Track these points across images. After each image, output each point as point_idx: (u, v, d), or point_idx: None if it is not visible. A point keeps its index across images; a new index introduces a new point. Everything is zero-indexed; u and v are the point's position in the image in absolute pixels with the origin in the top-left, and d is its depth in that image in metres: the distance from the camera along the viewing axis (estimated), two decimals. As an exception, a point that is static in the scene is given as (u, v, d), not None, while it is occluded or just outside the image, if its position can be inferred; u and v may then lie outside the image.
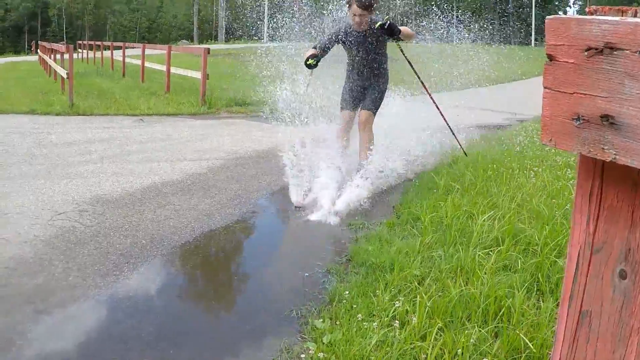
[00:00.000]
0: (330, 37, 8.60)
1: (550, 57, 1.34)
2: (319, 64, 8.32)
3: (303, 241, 6.32)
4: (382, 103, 8.89)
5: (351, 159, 8.69)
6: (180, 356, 3.92)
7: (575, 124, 1.30)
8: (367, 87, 8.82)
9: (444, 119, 9.28)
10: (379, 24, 8.04)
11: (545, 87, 1.38)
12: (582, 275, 1.44)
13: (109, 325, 4.35)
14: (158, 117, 15.59)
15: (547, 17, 1.33)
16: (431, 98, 9.29)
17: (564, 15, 1.32)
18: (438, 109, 9.22)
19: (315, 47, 8.54)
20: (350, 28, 8.47)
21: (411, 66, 9.18)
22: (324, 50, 8.53)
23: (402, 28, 8.21)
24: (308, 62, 8.22)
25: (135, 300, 4.74)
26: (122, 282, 5.04)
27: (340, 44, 8.65)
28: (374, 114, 8.72)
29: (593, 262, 1.42)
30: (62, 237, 6.08)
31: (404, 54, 8.97)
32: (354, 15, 8.19)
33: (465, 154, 9.26)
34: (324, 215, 6.97)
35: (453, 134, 9.33)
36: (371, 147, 8.37)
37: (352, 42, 8.51)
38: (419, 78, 9.17)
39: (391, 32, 8.06)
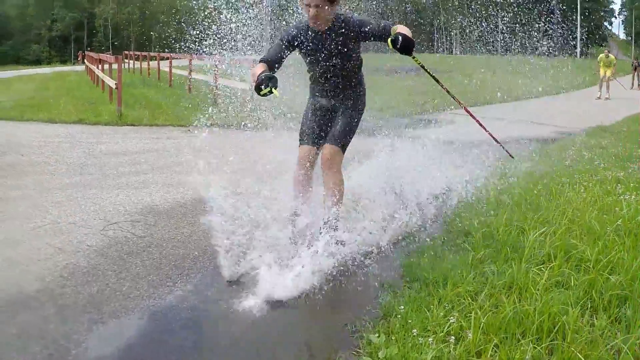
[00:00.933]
0: (280, 42, 6.18)
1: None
2: (277, 85, 5.52)
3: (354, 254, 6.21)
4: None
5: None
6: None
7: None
8: (334, 112, 6.53)
9: (482, 126, 7.75)
10: (389, 40, 5.72)
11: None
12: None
13: (161, 335, 4.39)
14: (206, 129, 15.66)
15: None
16: (467, 111, 7.51)
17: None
18: (475, 118, 7.59)
19: (264, 60, 5.96)
20: (305, 27, 6.17)
21: (437, 81, 6.94)
22: (277, 61, 6.05)
23: (406, 32, 5.75)
24: (262, 92, 5.40)
25: (188, 311, 4.78)
26: (175, 294, 5.09)
27: (296, 51, 6.34)
28: (343, 149, 6.34)
29: None
30: (115, 247, 6.18)
31: (426, 70, 6.71)
32: (307, 6, 5.94)
33: (512, 156, 8.72)
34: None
35: (494, 139, 8.29)
36: (337, 194, 6.17)
37: (310, 47, 6.19)
38: (448, 92, 7.10)
39: (409, 47, 5.67)
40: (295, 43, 6.17)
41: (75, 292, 5.08)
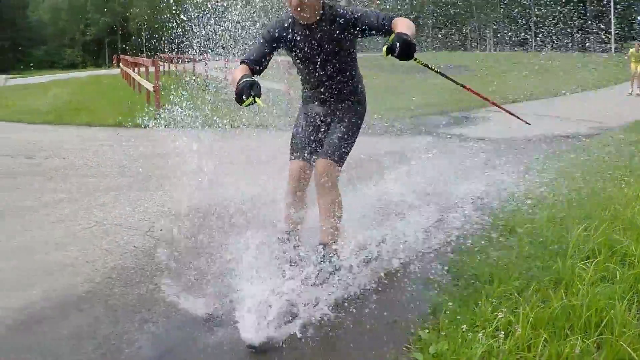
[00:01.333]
0: (262, 40, 5.38)
1: None
2: (260, 93, 4.64)
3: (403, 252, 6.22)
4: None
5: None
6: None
7: None
8: (330, 119, 5.71)
9: (496, 104, 6.24)
10: (384, 48, 4.61)
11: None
12: None
13: (210, 335, 4.46)
14: (246, 129, 15.71)
15: None
16: (486, 99, 6.19)
17: None
18: (497, 104, 6.48)
19: (244, 62, 5.17)
20: (291, 21, 5.40)
21: (448, 78, 5.75)
22: (259, 63, 5.22)
23: (406, 29, 4.76)
24: (243, 103, 4.58)
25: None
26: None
27: (283, 50, 5.57)
28: (340, 163, 5.46)
29: None
30: (161, 247, 6.22)
31: (431, 69, 5.52)
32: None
33: (528, 123, 7.53)
34: None
35: (509, 112, 6.99)
36: (337, 215, 5.41)
37: (298, 43, 5.38)
38: (463, 87, 5.82)
39: (408, 54, 4.56)
40: (280, 39, 5.37)
41: (125, 293, 5.17)
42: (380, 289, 5.23)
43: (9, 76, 60.72)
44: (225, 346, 4.29)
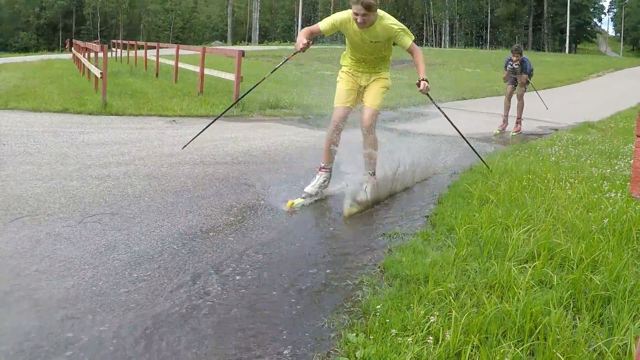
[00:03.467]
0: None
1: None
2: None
3: (336, 250, 6.19)
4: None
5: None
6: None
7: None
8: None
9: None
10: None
11: (638, 136, 1.31)
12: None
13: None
14: (190, 119, 15.60)
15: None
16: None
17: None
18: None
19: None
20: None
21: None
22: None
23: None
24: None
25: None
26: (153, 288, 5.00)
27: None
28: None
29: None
30: (92, 240, 6.06)
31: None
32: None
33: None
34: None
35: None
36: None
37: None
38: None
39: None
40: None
41: (51, 287, 4.99)
42: (309, 286, 5.13)
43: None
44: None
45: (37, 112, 15.89)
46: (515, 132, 15.65)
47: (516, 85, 16.12)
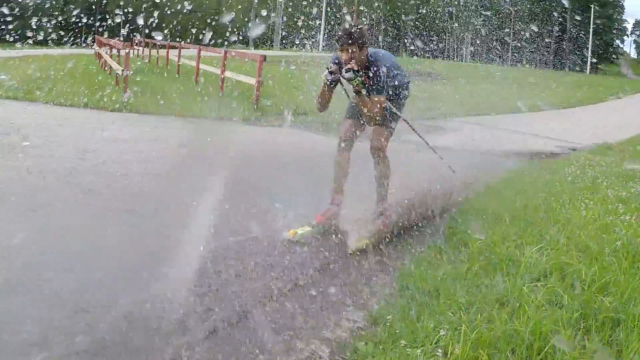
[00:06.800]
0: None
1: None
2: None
3: (350, 258, 6.20)
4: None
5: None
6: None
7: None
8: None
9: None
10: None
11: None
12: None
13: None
14: (209, 120, 15.63)
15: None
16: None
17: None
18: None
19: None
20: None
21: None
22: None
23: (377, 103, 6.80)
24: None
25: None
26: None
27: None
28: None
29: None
30: (105, 235, 6.11)
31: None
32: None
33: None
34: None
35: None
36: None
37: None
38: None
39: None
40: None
41: (61, 279, 5.01)
42: (320, 293, 5.16)
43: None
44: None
45: (58, 106, 15.98)
46: (382, 228, 6.96)
47: (363, 122, 7.24)
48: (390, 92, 7.15)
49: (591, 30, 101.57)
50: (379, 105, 6.84)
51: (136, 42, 50.63)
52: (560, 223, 7.09)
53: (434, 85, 31.61)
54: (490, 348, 4.02)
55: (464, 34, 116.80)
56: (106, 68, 27.69)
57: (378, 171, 7.16)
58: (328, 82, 6.86)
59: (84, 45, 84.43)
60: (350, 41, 6.69)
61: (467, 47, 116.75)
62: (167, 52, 35.05)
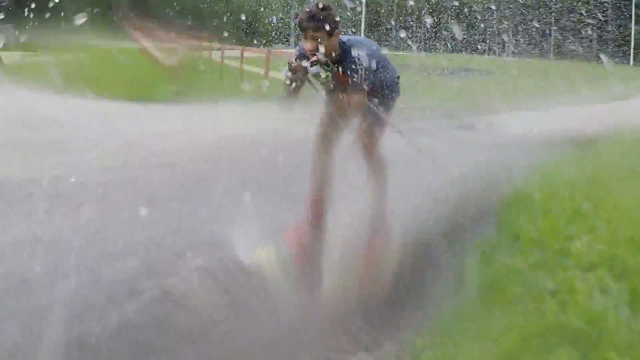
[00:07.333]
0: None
1: None
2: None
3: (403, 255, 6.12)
4: None
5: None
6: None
7: None
8: None
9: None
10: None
11: None
12: None
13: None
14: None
15: None
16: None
17: None
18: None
19: None
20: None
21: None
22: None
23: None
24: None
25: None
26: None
27: None
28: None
29: None
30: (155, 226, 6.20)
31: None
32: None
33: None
34: None
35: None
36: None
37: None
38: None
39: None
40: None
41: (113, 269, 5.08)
42: (379, 288, 5.21)
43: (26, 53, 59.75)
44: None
45: (106, 99, 16.11)
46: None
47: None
48: (376, 87, 5.68)
49: (633, 20, 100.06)
50: (357, 107, 5.50)
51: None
52: (609, 213, 7.05)
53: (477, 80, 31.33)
54: (542, 338, 4.06)
55: (503, 27, 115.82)
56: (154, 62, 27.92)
57: (370, 177, 5.93)
58: (288, 83, 5.41)
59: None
60: (314, 24, 5.25)
61: (508, 41, 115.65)
62: (210, 53, 35.20)
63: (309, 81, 5.50)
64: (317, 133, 5.84)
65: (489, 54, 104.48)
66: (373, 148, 5.84)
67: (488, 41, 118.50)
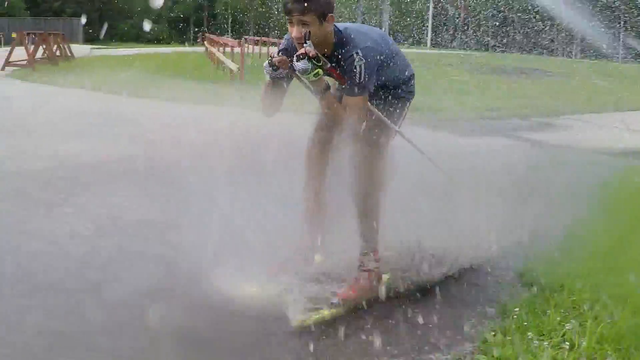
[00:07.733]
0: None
1: None
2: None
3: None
4: None
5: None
6: None
7: None
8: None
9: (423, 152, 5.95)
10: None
11: None
12: None
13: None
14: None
15: None
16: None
17: None
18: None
19: None
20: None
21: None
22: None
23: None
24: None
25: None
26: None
27: None
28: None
29: None
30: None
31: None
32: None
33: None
34: None
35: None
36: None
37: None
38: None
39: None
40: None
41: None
42: (448, 285, 5.27)
43: (94, 46, 60.78)
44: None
45: (173, 103, 16.35)
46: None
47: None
48: (382, 87, 4.76)
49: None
50: (356, 111, 4.54)
51: (246, 39, 51.10)
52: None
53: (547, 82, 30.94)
54: (614, 342, 4.11)
55: (572, 28, 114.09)
56: (218, 66, 28.19)
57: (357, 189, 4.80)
58: (269, 78, 4.64)
59: (193, 43, 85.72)
60: (300, 7, 4.26)
61: (577, 42, 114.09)
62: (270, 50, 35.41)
63: (298, 78, 4.54)
64: (310, 139, 5.16)
65: (558, 55, 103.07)
66: (374, 160, 4.72)
67: (556, 42, 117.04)
